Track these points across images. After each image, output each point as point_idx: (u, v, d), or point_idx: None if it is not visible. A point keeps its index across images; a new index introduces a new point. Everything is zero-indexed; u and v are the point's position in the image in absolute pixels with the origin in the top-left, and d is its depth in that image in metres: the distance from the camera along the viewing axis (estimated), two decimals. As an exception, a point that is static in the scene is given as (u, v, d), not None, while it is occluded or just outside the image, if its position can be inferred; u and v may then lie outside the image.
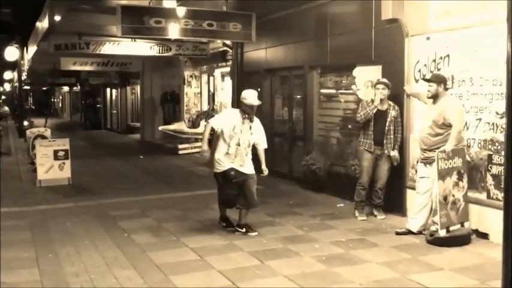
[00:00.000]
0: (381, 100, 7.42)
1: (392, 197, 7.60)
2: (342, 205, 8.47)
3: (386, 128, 7.45)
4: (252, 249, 6.23)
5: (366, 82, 8.62)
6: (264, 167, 7.02)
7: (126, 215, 8.17)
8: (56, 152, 11.14)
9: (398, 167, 7.55)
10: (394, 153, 7.48)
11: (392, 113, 7.47)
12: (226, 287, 5.09)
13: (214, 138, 7.00)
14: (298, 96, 10.95)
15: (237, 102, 13.18)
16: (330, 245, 6.37)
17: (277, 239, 6.67)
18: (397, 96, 7.58)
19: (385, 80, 7.51)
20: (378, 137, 7.49)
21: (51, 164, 11.10)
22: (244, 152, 6.72)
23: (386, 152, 7.48)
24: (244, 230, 6.87)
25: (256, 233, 6.82)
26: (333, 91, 10.02)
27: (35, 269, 5.65)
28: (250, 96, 6.72)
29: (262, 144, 7.01)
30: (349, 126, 9.41)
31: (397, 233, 6.76)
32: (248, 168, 6.81)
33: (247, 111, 6.73)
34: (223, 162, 6.72)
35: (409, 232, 6.69)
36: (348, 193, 8.19)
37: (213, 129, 6.84)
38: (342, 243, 6.43)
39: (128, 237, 6.88)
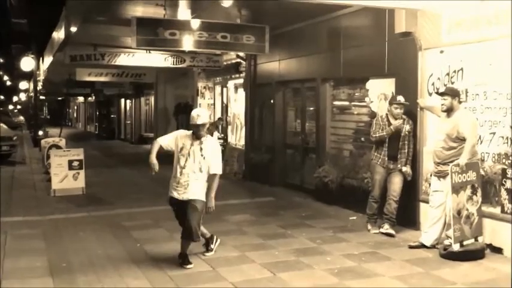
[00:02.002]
0: (396, 118, 7.40)
1: (405, 210, 7.55)
2: (355, 218, 8.44)
3: (401, 143, 7.42)
4: (264, 261, 6.23)
5: (379, 95, 8.63)
6: (210, 198, 6.04)
7: (138, 225, 8.22)
8: (70, 162, 11.24)
9: (411, 180, 7.52)
10: (406, 169, 7.44)
11: (407, 127, 7.44)
12: (238, 298, 5.11)
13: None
14: (311, 108, 10.96)
15: (250, 114, 13.26)
16: (342, 258, 6.35)
17: (289, 251, 6.66)
18: (410, 109, 7.56)
19: (402, 99, 7.43)
20: (391, 152, 7.45)
21: (65, 174, 11.20)
22: (188, 179, 5.94)
23: (399, 166, 7.45)
24: (180, 260, 6.12)
25: (191, 265, 6.02)
26: (346, 103, 10.02)
27: (48, 279, 5.69)
28: (194, 115, 5.96)
29: (213, 168, 6.00)
30: (362, 139, 9.40)
31: (410, 247, 6.73)
32: (188, 194, 5.97)
33: (194, 131, 6.01)
34: (170, 187, 6.09)
35: (422, 246, 6.65)
36: (360, 206, 8.16)
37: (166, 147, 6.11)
38: (354, 256, 6.41)
39: (140, 248, 6.91)
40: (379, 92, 8.63)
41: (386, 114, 7.57)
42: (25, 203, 10.28)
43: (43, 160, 14.49)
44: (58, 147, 13.61)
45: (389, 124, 7.43)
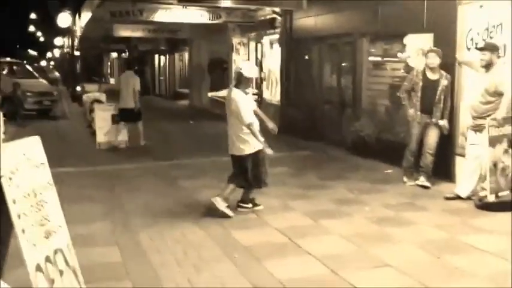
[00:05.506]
0: (431, 69, 7.52)
1: (441, 163, 7.74)
2: (390, 171, 8.66)
3: (437, 97, 7.48)
4: (305, 209, 6.57)
5: (417, 50, 8.70)
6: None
7: (185, 174, 8.66)
8: (113, 116, 11.66)
9: (448, 134, 7.66)
10: (444, 123, 7.55)
11: (444, 82, 7.51)
12: (284, 242, 5.46)
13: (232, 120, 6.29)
14: (347, 64, 11.08)
15: (286, 69, 13.42)
16: (380, 207, 6.65)
17: (329, 200, 7.00)
18: (448, 64, 7.65)
19: (435, 48, 7.56)
20: (426, 106, 7.55)
21: (109, 128, 11.65)
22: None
23: (434, 120, 7.58)
24: (250, 205, 6.55)
25: (262, 206, 6.58)
26: (383, 59, 10.12)
27: (108, 223, 6.13)
28: (248, 68, 6.34)
29: None
30: (398, 94, 9.51)
31: (446, 198, 6.94)
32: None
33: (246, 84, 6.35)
34: (255, 140, 6.19)
35: (458, 197, 6.86)
36: (396, 159, 8.34)
37: None
38: (392, 206, 6.69)
39: (189, 195, 7.29)
40: (417, 47, 8.70)
41: (424, 69, 7.68)
42: (74, 155, 10.77)
43: (85, 114, 14.98)
44: (99, 101, 14.04)
45: (426, 78, 7.54)
